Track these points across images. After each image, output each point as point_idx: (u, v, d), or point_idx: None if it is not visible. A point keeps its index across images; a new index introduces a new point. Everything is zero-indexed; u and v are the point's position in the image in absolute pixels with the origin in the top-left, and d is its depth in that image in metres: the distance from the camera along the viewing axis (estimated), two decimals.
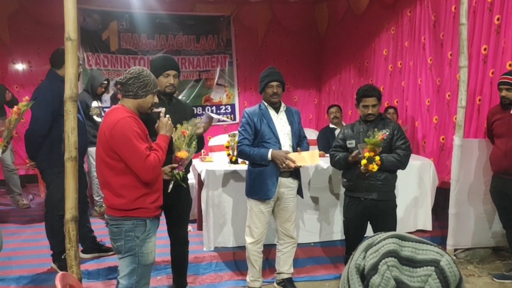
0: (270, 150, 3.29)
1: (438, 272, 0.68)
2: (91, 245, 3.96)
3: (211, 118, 3.12)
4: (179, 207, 3.15)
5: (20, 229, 4.74)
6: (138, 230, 2.48)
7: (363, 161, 3.20)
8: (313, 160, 3.37)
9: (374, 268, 0.70)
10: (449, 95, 4.80)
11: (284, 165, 3.25)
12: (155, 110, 2.71)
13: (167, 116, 2.71)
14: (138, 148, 2.37)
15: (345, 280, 0.76)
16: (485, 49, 4.29)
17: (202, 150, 3.97)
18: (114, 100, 7.08)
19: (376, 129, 3.24)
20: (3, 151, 3.20)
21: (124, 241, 2.47)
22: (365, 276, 0.72)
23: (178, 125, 2.84)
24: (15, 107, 3.27)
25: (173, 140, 2.80)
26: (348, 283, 0.74)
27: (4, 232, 4.55)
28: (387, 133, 3.27)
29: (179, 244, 3.27)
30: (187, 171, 3.06)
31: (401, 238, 0.74)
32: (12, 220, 5.02)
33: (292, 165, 3.26)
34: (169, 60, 3.11)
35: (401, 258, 0.70)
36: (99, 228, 4.55)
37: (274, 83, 3.39)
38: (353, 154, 3.29)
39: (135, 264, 2.49)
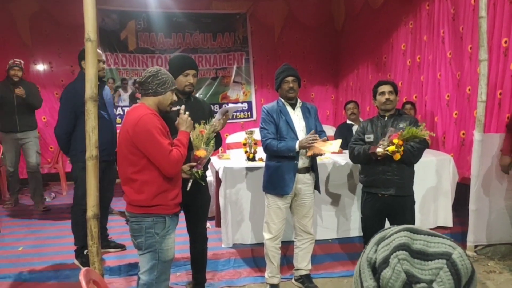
0: (298, 141, 3.29)
1: (450, 265, 0.68)
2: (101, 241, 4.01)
3: (225, 112, 3.12)
4: (197, 204, 3.18)
5: (44, 226, 4.85)
6: (158, 227, 2.53)
7: (391, 148, 3.14)
8: (335, 147, 3.34)
9: (385, 262, 0.71)
10: (469, 89, 4.72)
11: (310, 141, 3.21)
12: (174, 108, 2.75)
13: (187, 112, 2.75)
14: (162, 144, 2.43)
15: (357, 273, 0.77)
16: (505, 42, 4.21)
17: (220, 148, 4.00)
18: (132, 99, 7.20)
19: (423, 124, 3.22)
20: None
21: (145, 238, 2.53)
22: (376, 269, 0.72)
23: (196, 125, 2.87)
24: None
25: (191, 139, 2.83)
26: (360, 277, 0.74)
27: (28, 229, 4.69)
28: (433, 134, 3.24)
29: (198, 241, 3.31)
30: (205, 169, 3.09)
31: (413, 231, 0.73)
32: (35, 217, 5.14)
33: (318, 149, 3.22)
34: (188, 60, 3.15)
35: (412, 251, 0.70)
36: (117, 226, 4.64)
37: (290, 78, 3.40)
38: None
39: (155, 260, 2.54)
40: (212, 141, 2.89)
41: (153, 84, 2.55)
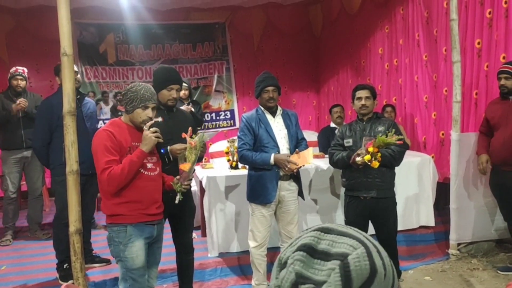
0: (273, 155, 3.31)
1: (342, 267, 0.65)
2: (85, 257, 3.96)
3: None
4: (182, 214, 3.17)
5: (27, 244, 4.76)
6: (121, 236, 2.60)
7: (367, 157, 3.19)
8: (309, 159, 3.38)
9: (286, 262, 0.70)
10: (446, 91, 4.82)
11: (287, 168, 3.27)
12: (156, 119, 2.72)
13: (152, 129, 2.63)
14: (99, 161, 2.53)
15: None
16: (478, 43, 4.32)
17: (203, 159, 3.98)
18: (114, 111, 7.16)
19: (394, 130, 3.26)
20: None
21: (113, 247, 2.64)
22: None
23: (188, 138, 2.83)
24: None
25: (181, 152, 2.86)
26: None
27: (11, 248, 4.61)
28: (403, 139, 3.25)
29: (184, 252, 3.29)
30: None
31: (325, 230, 0.71)
32: (18, 235, 5.01)
33: (294, 167, 3.27)
34: (172, 74, 3.13)
35: (316, 251, 0.68)
36: (101, 240, 4.58)
37: (270, 88, 3.42)
38: (358, 151, 3.27)
39: (124, 269, 2.62)
40: (194, 155, 2.89)
41: (124, 103, 2.65)
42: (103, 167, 2.50)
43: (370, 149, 3.18)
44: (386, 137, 3.16)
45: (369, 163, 3.20)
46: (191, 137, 2.85)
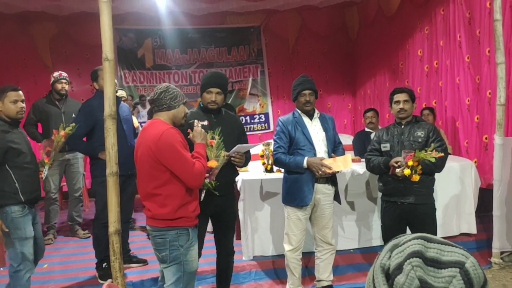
0: (306, 158, 3.29)
1: (463, 274, 0.69)
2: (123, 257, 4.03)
3: (241, 150, 3.09)
4: (226, 216, 3.22)
5: (68, 243, 4.92)
6: (182, 239, 2.58)
7: (406, 171, 3.12)
8: (346, 165, 3.33)
9: (399, 268, 0.72)
10: (489, 93, 4.65)
11: (320, 172, 3.25)
12: (201, 123, 2.85)
13: (200, 124, 2.84)
14: (186, 157, 2.50)
15: (370, 279, 0.78)
16: None
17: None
18: (151, 114, 7.27)
19: (432, 145, 3.18)
20: (49, 168, 3.42)
21: (169, 251, 2.58)
22: (390, 275, 0.73)
23: (207, 135, 2.88)
24: (63, 132, 3.51)
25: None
26: (373, 282, 0.75)
27: (53, 246, 4.76)
28: (442, 154, 3.16)
29: (225, 253, 3.33)
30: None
31: (427, 239, 0.75)
32: (60, 234, 5.18)
33: (329, 171, 3.24)
34: (214, 78, 3.18)
35: (426, 258, 0.71)
36: (139, 241, 4.68)
37: (307, 92, 3.41)
38: (397, 163, 3.21)
39: (181, 272, 2.59)
40: (223, 152, 2.91)
41: (166, 99, 2.63)
42: (193, 161, 2.53)
43: (410, 162, 3.11)
44: (426, 152, 3.08)
45: (409, 177, 3.14)
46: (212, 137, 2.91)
